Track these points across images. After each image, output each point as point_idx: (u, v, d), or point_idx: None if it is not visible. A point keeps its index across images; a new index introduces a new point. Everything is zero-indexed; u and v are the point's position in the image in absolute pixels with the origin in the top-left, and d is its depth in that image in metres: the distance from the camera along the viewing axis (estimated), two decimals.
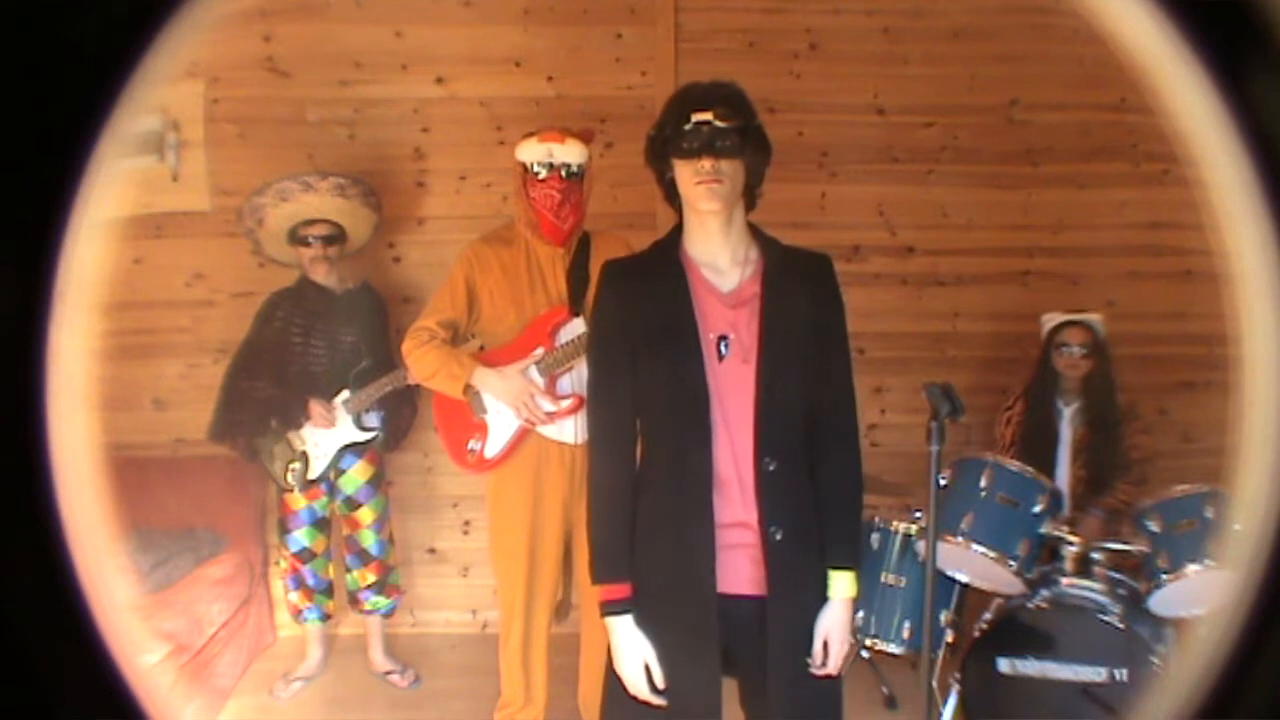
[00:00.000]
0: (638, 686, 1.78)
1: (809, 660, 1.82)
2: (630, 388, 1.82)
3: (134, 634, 0.61)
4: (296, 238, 3.47)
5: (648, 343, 1.80)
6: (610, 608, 1.80)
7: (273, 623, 4.02)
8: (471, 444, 2.90)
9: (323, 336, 3.50)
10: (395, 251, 3.99)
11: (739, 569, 1.78)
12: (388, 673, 3.69)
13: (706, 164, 1.73)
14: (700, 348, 1.77)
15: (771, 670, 1.80)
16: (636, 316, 1.81)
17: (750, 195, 1.85)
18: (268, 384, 3.47)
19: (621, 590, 1.79)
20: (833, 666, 1.82)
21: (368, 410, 3.50)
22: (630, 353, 1.81)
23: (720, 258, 1.83)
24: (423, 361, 2.82)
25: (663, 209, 4.35)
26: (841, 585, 1.83)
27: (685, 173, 1.76)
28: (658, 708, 1.79)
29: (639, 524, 1.81)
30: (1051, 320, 3.51)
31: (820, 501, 1.84)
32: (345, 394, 3.47)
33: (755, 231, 1.90)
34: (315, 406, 3.42)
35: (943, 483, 2.64)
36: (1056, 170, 4.03)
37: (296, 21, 3.89)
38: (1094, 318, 3.46)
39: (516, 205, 2.86)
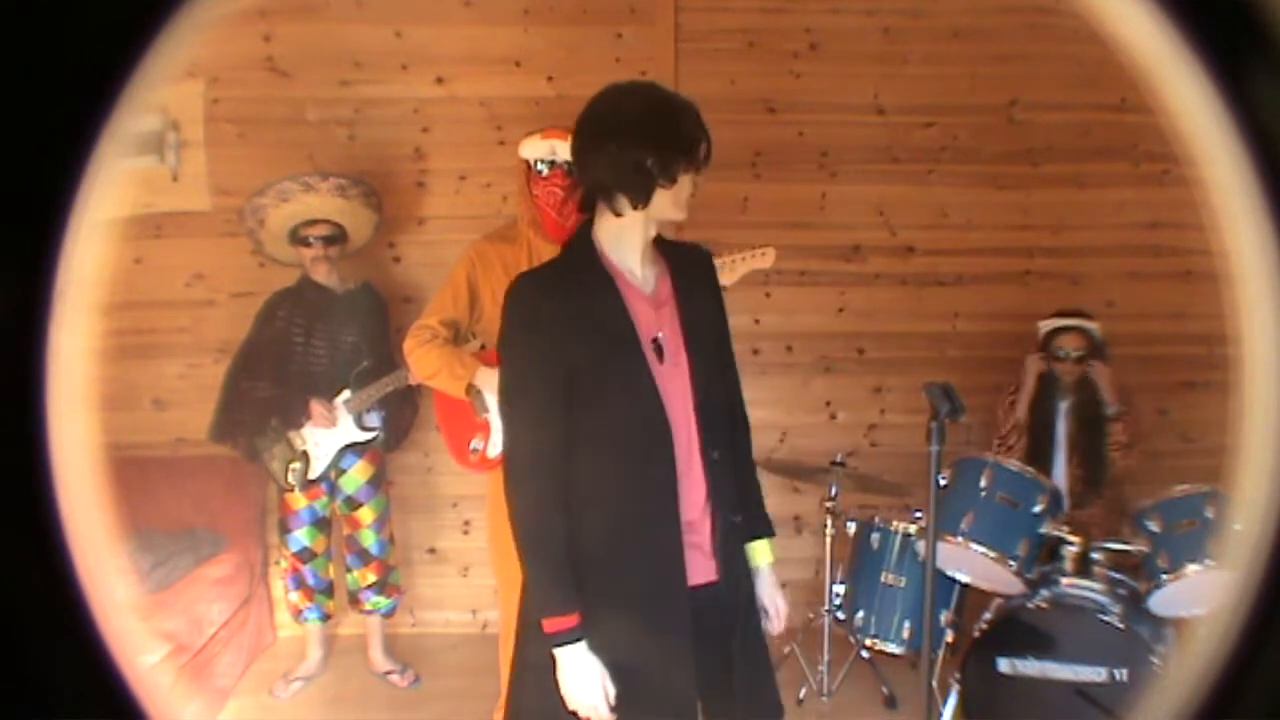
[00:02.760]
0: (599, 711, 1.71)
1: (763, 627, 1.94)
2: (560, 408, 1.72)
3: (134, 634, 0.61)
4: (297, 238, 3.48)
5: (590, 355, 1.74)
6: (560, 639, 1.72)
7: (273, 623, 4.02)
8: (474, 443, 2.90)
9: (323, 336, 3.50)
10: (395, 251, 3.99)
11: (695, 561, 1.82)
12: (388, 673, 3.69)
13: (693, 183, 1.82)
14: (644, 353, 1.77)
15: (735, 649, 1.86)
16: (572, 330, 1.73)
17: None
18: (269, 384, 3.47)
19: (570, 620, 1.71)
20: (782, 626, 1.96)
21: (368, 410, 3.50)
22: (566, 369, 1.72)
23: (637, 260, 1.82)
24: (424, 360, 2.82)
25: None
26: (766, 552, 1.95)
27: (683, 186, 1.79)
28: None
29: (590, 542, 1.74)
30: (1047, 325, 3.52)
31: (740, 481, 1.93)
32: (346, 394, 3.47)
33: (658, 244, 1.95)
34: (316, 406, 3.42)
35: (943, 483, 2.64)
36: (1056, 170, 4.03)
37: (296, 21, 3.89)
38: (1089, 323, 3.46)
39: (520, 203, 2.86)
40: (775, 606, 1.95)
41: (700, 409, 1.81)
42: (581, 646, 1.71)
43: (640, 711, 1.76)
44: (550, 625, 1.73)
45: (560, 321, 1.74)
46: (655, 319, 1.80)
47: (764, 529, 1.95)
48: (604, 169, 1.76)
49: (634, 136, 1.74)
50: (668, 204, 1.77)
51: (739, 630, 1.87)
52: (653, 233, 1.83)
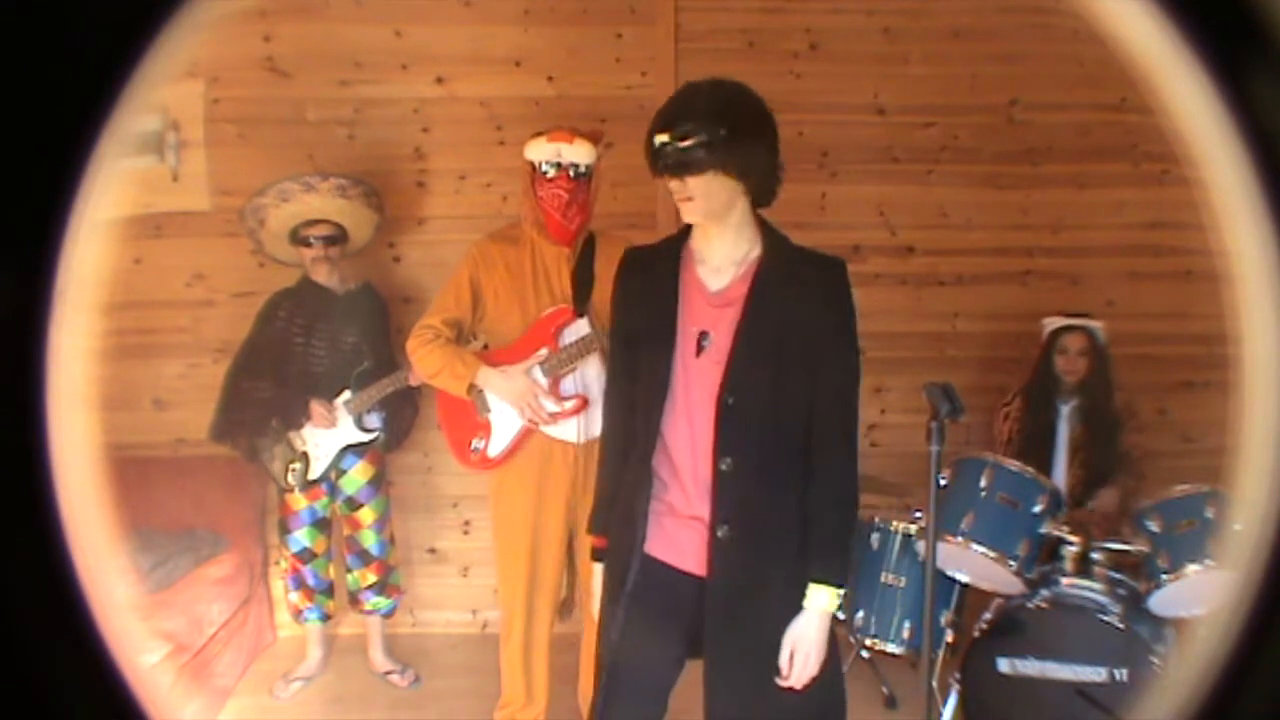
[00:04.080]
0: (601, 625, 1.94)
1: (777, 666, 1.82)
2: (621, 365, 1.94)
3: (134, 634, 0.61)
4: (298, 238, 3.48)
5: (635, 329, 1.90)
6: (593, 554, 2.00)
7: (273, 623, 4.02)
8: (475, 443, 2.90)
9: (324, 337, 3.50)
10: (395, 251, 3.99)
11: (687, 549, 1.85)
12: (388, 673, 3.69)
13: (674, 184, 1.76)
14: (673, 341, 1.82)
15: (708, 651, 1.86)
16: (632, 303, 1.92)
17: (760, 191, 1.82)
18: (269, 384, 3.47)
19: (599, 541, 1.98)
20: (796, 680, 1.81)
21: (369, 411, 3.50)
22: (625, 336, 1.93)
23: (716, 256, 1.85)
24: (427, 360, 2.82)
25: (663, 209, 4.37)
26: (815, 597, 1.82)
27: (667, 187, 1.79)
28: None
29: (617, 488, 1.94)
30: (1051, 324, 3.53)
31: (806, 511, 1.84)
32: (346, 394, 3.47)
33: (767, 231, 1.88)
34: (316, 407, 3.42)
35: (943, 483, 2.64)
36: (1056, 170, 4.03)
37: (296, 21, 3.89)
38: (1093, 323, 3.47)
39: (523, 204, 2.86)
40: (789, 653, 1.82)
41: (721, 413, 1.78)
42: (599, 568, 1.97)
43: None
44: (592, 541, 2.01)
45: (627, 294, 1.94)
46: (710, 315, 1.81)
47: (817, 571, 1.82)
48: None
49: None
50: (674, 201, 1.80)
51: (728, 648, 1.85)
52: (733, 230, 1.82)
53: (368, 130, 3.93)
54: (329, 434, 3.48)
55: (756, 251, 1.84)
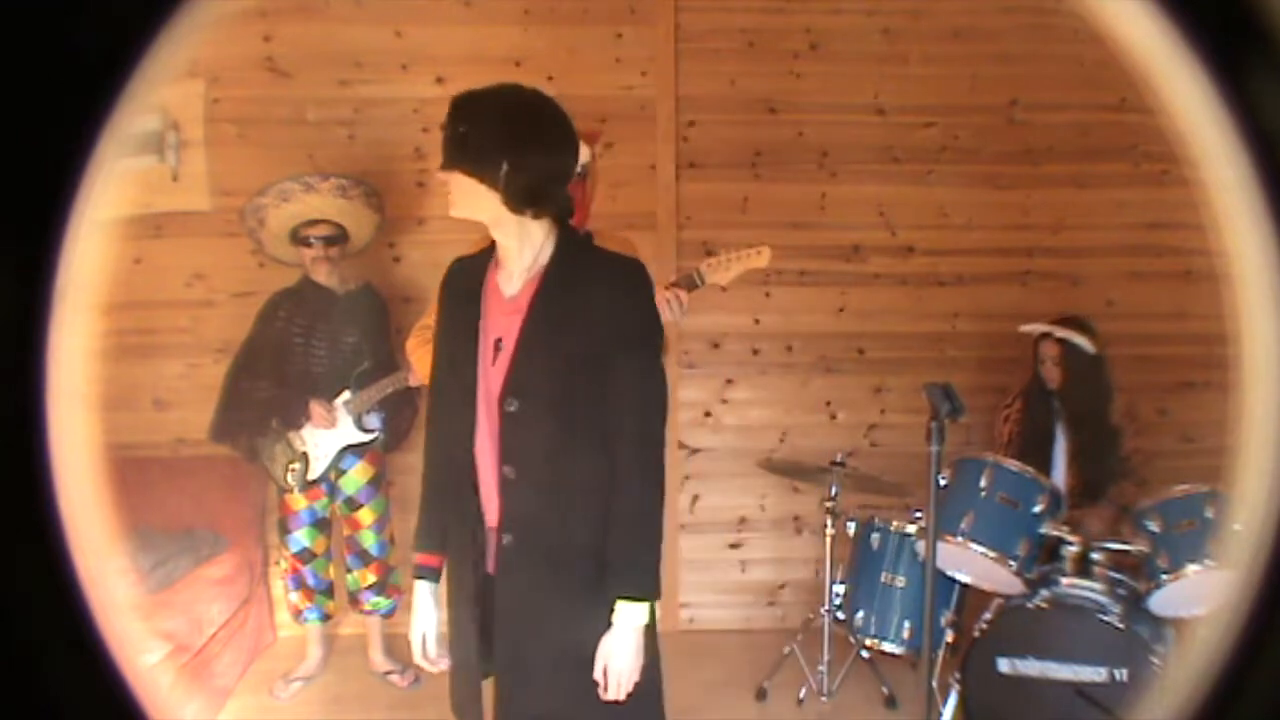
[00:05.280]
0: (416, 651, 1.92)
1: (577, 679, 1.76)
2: (444, 377, 1.90)
3: (134, 634, 0.61)
4: (298, 238, 3.47)
5: (445, 338, 1.89)
6: (417, 571, 1.94)
7: (273, 623, 4.02)
8: None
9: (324, 337, 3.50)
10: (396, 251, 3.99)
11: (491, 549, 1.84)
12: (388, 673, 3.69)
13: (440, 176, 1.76)
14: (476, 349, 1.79)
15: (497, 662, 1.83)
16: (445, 313, 1.89)
17: (513, 198, 1.72)
18: (269, 384, 3.47)
19: (424, 559, 1.93)
20: (614, 693, 1.75)
21: (368, 411, 3.50)
22: (441, 345, 1.91)
23: (510, 261, 1.80)
24: (426, 360, 2.81)
25: (664, 209, 4.38)
26: (621, 614, 1.73)
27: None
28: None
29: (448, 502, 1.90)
30: (1031, 330, 3.49)
31: (609, 527, 1.75)
32: (346, 395, 3.47)
33: (562, 235, 1.81)
34: (316, 407, 3.42)
35: (943, 483, 2.64)
36: (1056, 170, 4.03)
37: (296, 21, 3.89)
38: (1066, 332, 3.41)
39: None
40: (602, 668, 1.74)
41: (503, 419, 1.74)
42: (422, 586, 1.93)
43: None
44: (415, 559, 1.95)
45: (441, 304, 1.91)
46: (503, 322, 1.78)
47: (619, 586, 1.74)
48: None
49: None
50: None
51: (519, 653, 1.79)
52: (522, 234, 1.77)
53: (368, 130, 3.93)
54: (329, 434, 3.48)
55: (547, 253, 1.79)
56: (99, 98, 0.54)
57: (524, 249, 1.78)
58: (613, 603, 1.73)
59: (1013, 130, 4.02)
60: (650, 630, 1.80)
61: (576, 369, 1.73)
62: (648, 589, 1.76)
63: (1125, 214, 4.03)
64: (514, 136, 1.72)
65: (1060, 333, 3.38)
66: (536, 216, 1.75)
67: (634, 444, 1.76)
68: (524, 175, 1.71)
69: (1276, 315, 0.57)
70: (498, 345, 1.77)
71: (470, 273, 1.86)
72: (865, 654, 3.33)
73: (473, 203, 1.73)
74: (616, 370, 1.74)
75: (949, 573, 3.07)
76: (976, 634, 2.90)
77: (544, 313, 1.74)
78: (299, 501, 3.54)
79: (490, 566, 1.82)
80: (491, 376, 1.77)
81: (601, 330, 1.73)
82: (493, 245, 1.85)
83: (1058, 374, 3.42)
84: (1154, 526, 2.86)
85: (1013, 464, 3.02)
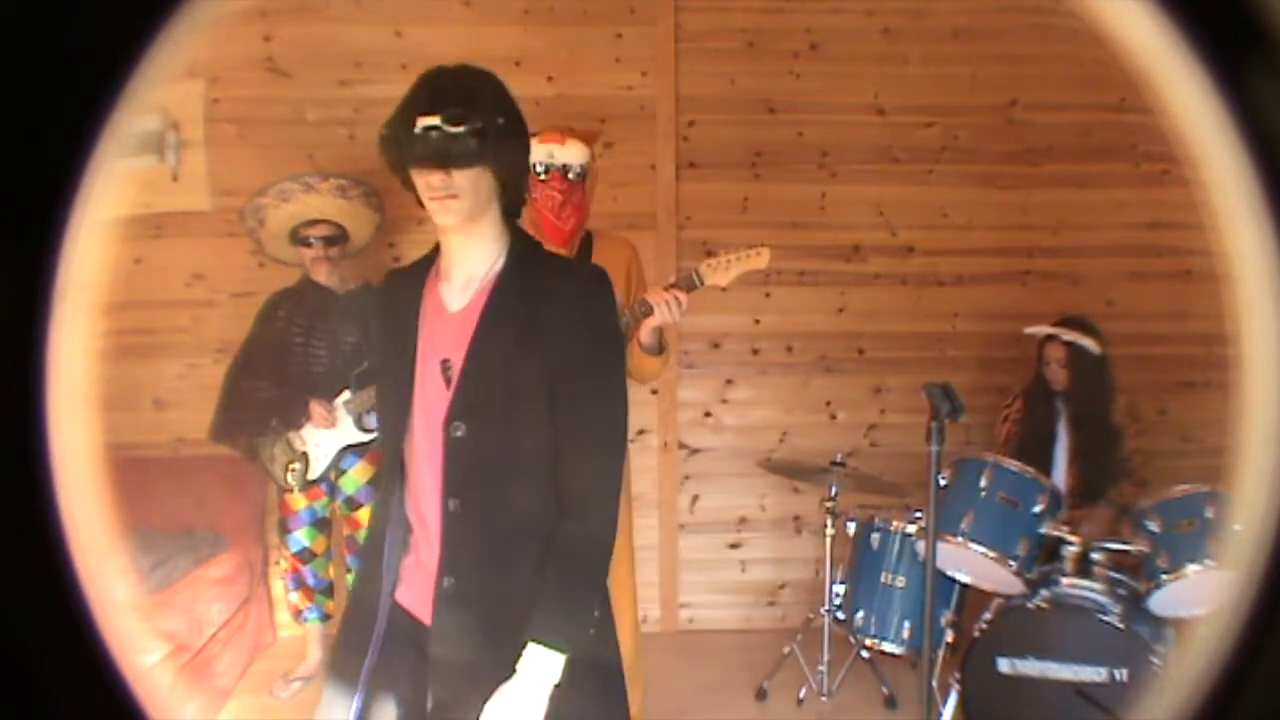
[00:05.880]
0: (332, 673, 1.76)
1: None
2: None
3: (134, 634, 0.61)
4: (298, 238, 3.48)
5: (378, 360, 1.74)
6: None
7: (273, 623, 4.02)
8: None
9: (324, 337, 3.50)
10: (396, 251, 3.99)
11: (427, 600, 1.60)
12: None
13: (436, 178, 1.50)
14: (410, 373, 1.60)
15: (432, 713, 1.60)
16: (374, 335, 1.79)
17: (514, 197, 1.60)
18: (269, 384, 3.47)
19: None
20: None
21: (368, 411, 3.50)
22: (377, 369, 1.76)
23: (461, 272, 1.61)
24: None
25: (663, 209, 4.37)
26: (529, 660, 1.49)
27: (419, 184, 1.53)
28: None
29: (377, 533, 1.71)
30: (1036, 332, 3.50)
31: (548, 564, 1.55)
32: (346, 394, 3.47)
33: (517, 240, 1.63)
34: (316, 407, 3.42)
35: (943, 483, 2.64)
36: (1056, 170, 4.03)
37: (296, 21, 3.89)
38: (1073, 335, 3.42)
39: None
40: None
41: (448, 446, 1.55)
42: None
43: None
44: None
45: (377, 324, 1.76)
46: (450, 339, 1.58)
47: (537, 627, 1.50)
48: None
49: (386, 124, 1.60)
50: (424, 201, 1.56)
51: (452, 706, 1.56)
52: (479, 241, 1.59)
53: (368, 130, 3.90)
54: (329, 434, 3.47)
55: (500, 263, 1.60)
56: (99, 98, 0.54)
57: (485, 256, 1.60)
58: (524, 645, 1.50)
59: (1013, 130, 4.02)
60: (613, 676, 1.62)
61: (530, 391, 1.55)
62: (566, 636, 1.50)
63: (1125, 214, 4.03)
64: (521, 124, 1.58)
65: (1067, 336, 3.39)
66: (506, 218, 1.61)
67: (591, 477, 1.57)
68: (525, 170, 1.62)
69: (1276, 315, 0.57)
70: (444, 366, 1.57)
71: (404, 287, 1.66)
72: (865, 654, 3.33)
73: (482, 206, 1.55)
74: (575, 394, 1.56)
75: (949, 573, 3.07)
76: (976, 634, 2.90)
77: (496, 328, 1.55)
78: (299, 501, 3.54)
79: (423, 614, 1.61)
80: (433, 399, 1.57)
81: (560, 348, 1.55)
82: (427, 256, 1.67)
83: (1063, 376, 3.42)
84: (1154, 526, 2.86)
85: (1013, 464, 3.02)
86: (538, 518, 1.57)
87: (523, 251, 1.61)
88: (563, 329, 1.55)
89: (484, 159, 1.51)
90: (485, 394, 1.54)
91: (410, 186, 1.56)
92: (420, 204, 1.57)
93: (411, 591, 1.64)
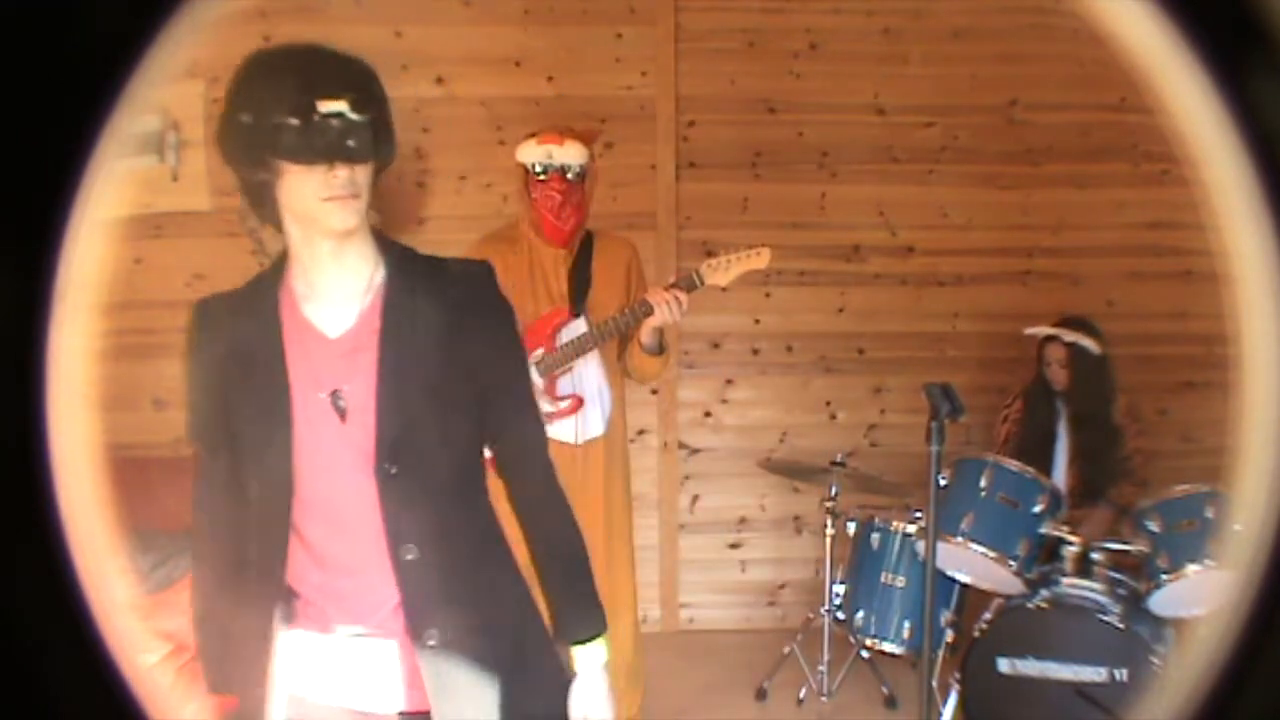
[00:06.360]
0: None
1: None
2: (222, 465, 1.43)
3: (134, 634, 0.61)
4: None
5: (225, 411, 1.40)
6: None
7: None
8: None
9: None
10: None
11: (375, 681, 1.43)
12: None
13: (341, 174, 1.28)
14: (289, 416, 1.36)
15: None
16: (213, 379, 1.41)
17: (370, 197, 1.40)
18: None
19: (228, 702, 1.45)
20: None
21: None
22: (213, 423, 1.41)
23: (334, 289, 1.39)
24: None
25: (664, 209, 4.37)
26: (586, 658, 1.50)
27: (306, 183, 1.29)
28: None
29: (240, 626, 1.45)
30: (1037, 333, 3.50)
31: (540, 572, 1.51)
32: None
33: (389, 247, 1.44)
34: None
35: (943, 483, 2.64)
36: (1056, 170, 4.03)
37: (296, 21, 3.89)
38: (1074, 335, 3.42)
39: (519, 206, 2.86)
40: None
41: (386, 491, 1.36)
42: None
43: None
44: (219, 702, 1.47)
45: (205, 368, 1.42)
46: (339, 368, 1.37)
47: (582, 630, 1.50)
48: None
49: (239, 108, 1.39)
50: (309, 203, 1.33)
51: None
52: (356, 250, 1.39)
53: None
54: None
55: (381, 273, 1.40)
56: (99, 98, 0.54)
57: (363, 265, 1.39)
58: (567, 651, 1.50)
59: (1013, 130, 4.02)
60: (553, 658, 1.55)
61: (454, 406, 1.41)
62: (602, 625, 1.52)
63: (1125, 214, 4.03)
64: (391, 115, 1.38)
65: (1069, 336, 3.39)
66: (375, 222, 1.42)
67: (541, 477, 1.51)
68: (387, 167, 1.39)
69: (1276, 315, 0.57)
70: (335, 399, 1.36)
71: (249, 313, 1.40)
72: (865, 654, 3.33)
73: (365, 206, 1.35)
74: (504, 399, 1.47)
75: (949, 573, 3.07)
76: (976, 634, 2.90)
77: (404, 347, 1.37)
78: None
79: (402, 699, 1.43)
80: (329, 440, 1.37)
81: (471, 354, 1.41)
82: (268, 273, 1.43)
83: (1064, 376, 3.42)
84: (1154, 526, 2.86)
85: (1013, 464, 3.02)
86: (485, 539, 1.48)
87: (400, 258, 1.43)
88: (474, 331, 1.43)
89: (378, 153, 1.34)
90: (412, 423, 1.37)
91: (260, 188, 1.33)
92: (254, 206, 1.35)
93: (338, 681, 1.44)
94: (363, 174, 1.31)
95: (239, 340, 1.39)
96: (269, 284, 1.41)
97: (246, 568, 1.42)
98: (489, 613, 1.45)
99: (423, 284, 1.41)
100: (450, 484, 1.43)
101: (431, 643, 1.39)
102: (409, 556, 1.37)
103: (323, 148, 1.26)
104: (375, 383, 1.36)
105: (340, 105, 1.27)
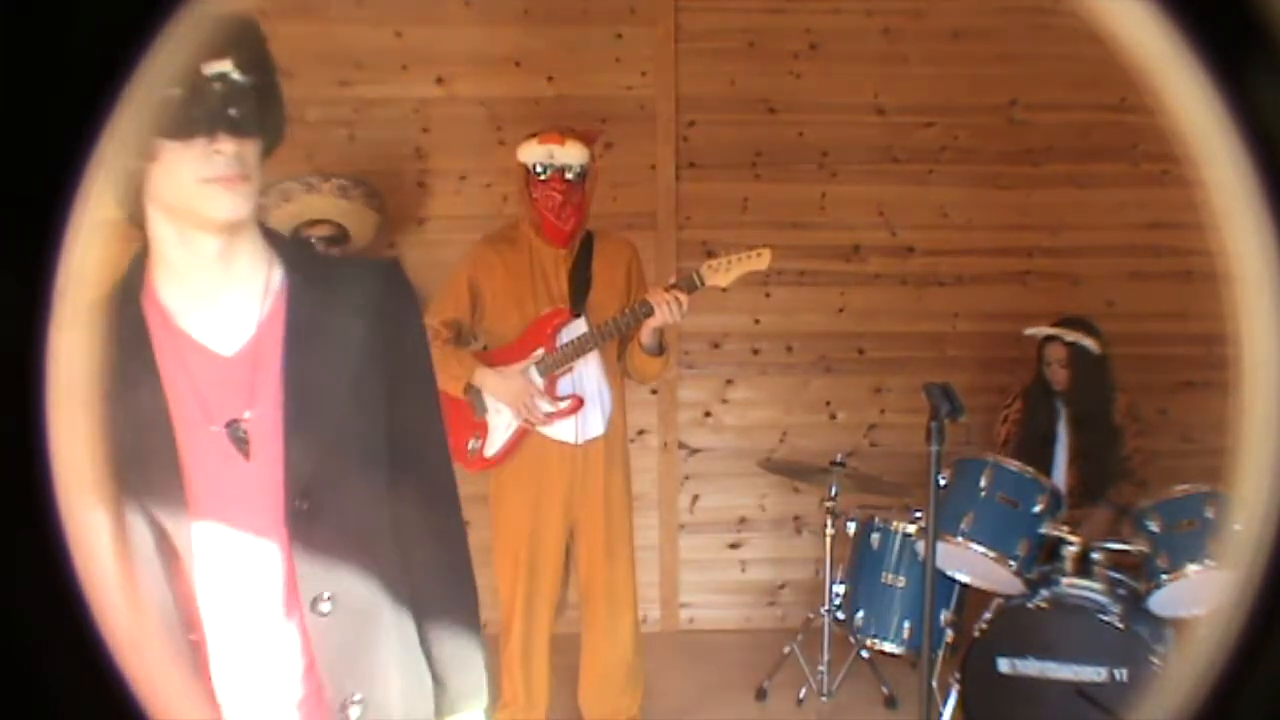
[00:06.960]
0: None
1: None
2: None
3: (134, 634, 0.61)
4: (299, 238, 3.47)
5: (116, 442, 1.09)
6: None
7: None
8: (471, 443, 2.90)
9: None
10: (396, 252, 3.99)
11: None
12: None
13: (226, 148, 1.05)
14: (171, 450, 1.10)
15: None
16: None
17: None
18: None
19: None
20: None
21: None
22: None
23: (221, 298, 1.14)
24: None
25: (664, 209, 4.37)
26: None
27: (182, 162, 1.04)
28: None
29: None
30: (1037, 333, 3.50)
31: (424, 628, 1.27)
32: None
33: (282, 245, 1.22)
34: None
35: (943, 483, 2.64)
36: (1056, 170, 4.03)
37: (296, 21, 3.89)
38: (1074, 335, 3.42)
39: (519, 205, 2.86)
40: None
41: (295, 529, 1.14)
42: None
43: None
44: None
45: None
46: (234, 394, 1.13)
47: (459, 699, 1.30)
48: None
49: None
50: (185, 188, 1.08)
51: None
52: (245, 246, 1.15)
53: (368, 130, 3.92)
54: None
55: (278, 274, 1.18)
56: (99, 98, 0.54)
57: (255, 268, 1.16)
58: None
59: (1013, 130, 4.02)
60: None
61: (369, 427, 1.20)
62: (481, 694, 1.34)
63: (1125, 214, 4.03)
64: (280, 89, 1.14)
65: (1070, 336, 3.39)
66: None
67: (443, 505, 1.32)
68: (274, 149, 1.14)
69: (1277, 315, 0.57)
70: (233, 429, 1.13)
71: (109, 323, 1.10)
72: (865, 654, 3.33)
73: (254, 193, 1.12)
74: (412, 419, 1.25)
75: (949, 573, 3.07)
76: (976, 634, 2.90)
77: (309, 367, 1.15)
78: None
79: None
80: (225, 478, 1.13)
81: (385, 364, 1.21)
82: (125, 277, 1.14)
83: (1064, 376, 3.42)
84: (1154, 526, 2.87)
85: (1013, 464, 3.02)
86: (401, 591, 1.25)
87: (297, 255, 1.21)
88: (392, 338, 1.22)
89: (265, 128, 1.12)
90: (326, 453, 1.16)
91: (127, 179, 1.07)
92: (114, 199, 1.07)
93: None
94: (250, 151, 1.08)
95: (110, 360, 1.05)
96: (127, 288, 1.13)
97: None
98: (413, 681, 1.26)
99: (329, 285, 1.20)
100: (371, 529, 1.22)
101: (355, 716, 1.19)
102: (324, 610, 1.16)
103: (203, 116, 1.02)
104: (284, 407, 1.13)
105: (223, 65, 1.05)
